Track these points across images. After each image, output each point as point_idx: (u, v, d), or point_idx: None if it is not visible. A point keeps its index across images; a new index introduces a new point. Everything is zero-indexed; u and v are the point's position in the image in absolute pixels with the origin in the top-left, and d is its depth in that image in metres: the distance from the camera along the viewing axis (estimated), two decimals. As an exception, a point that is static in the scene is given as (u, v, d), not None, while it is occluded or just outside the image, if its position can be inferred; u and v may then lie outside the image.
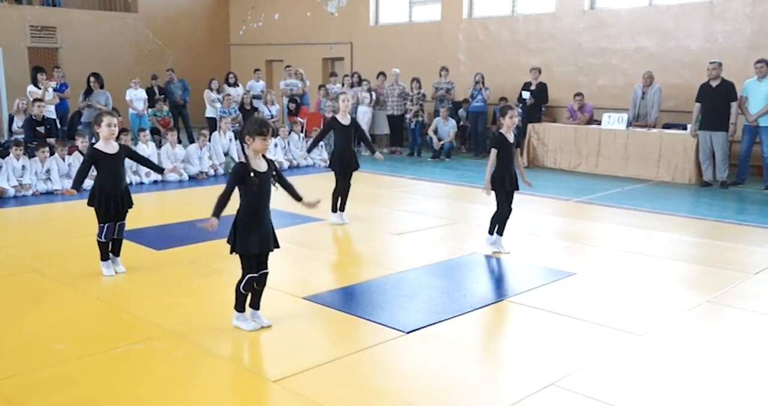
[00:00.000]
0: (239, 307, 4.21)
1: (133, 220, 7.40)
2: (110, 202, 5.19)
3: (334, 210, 7.24)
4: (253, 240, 4.04)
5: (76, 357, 3.82)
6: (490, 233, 6.15)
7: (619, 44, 12.11)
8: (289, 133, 12.32)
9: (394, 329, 4.26)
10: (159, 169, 5.95)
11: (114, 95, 12.17)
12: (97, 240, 5.27)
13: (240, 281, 4.13)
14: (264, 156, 4.13)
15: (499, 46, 13.72)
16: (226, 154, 11.11)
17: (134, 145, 10.22)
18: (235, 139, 11.30)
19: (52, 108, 11.31)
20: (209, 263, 5.65)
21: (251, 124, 4.05)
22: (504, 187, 5.93)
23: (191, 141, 12.35)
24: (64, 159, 9.35)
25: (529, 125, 11.88)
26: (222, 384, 3.63)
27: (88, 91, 11.60)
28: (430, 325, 4.35)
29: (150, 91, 13.44)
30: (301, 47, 17.17)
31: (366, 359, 3.83)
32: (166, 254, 6.06)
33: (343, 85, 13.84)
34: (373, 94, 13.46)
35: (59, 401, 3.34)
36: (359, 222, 7.28)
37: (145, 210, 8.51)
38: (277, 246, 4.22)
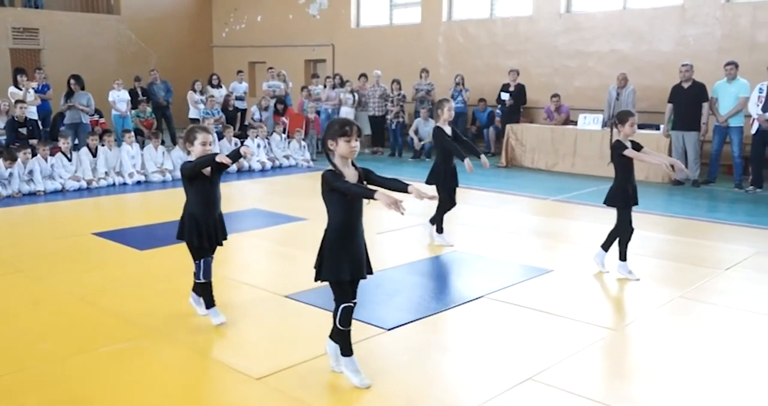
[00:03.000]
0: (346, 350, 3.48)
1: (116, 221, 7.38)
2: (202, 233, 4.17)
3: (439, 230, 6.41)
4: (343, 265, 3.37)
5: (61, 357, 3.79)
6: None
7: (594, 47, 12.21)
8: (271, 133, 12.29)
9: (376, 326, 4.27)
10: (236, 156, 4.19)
11: (97, 96, 12.05)
12: (195, 282, 4.31)
13: (335, 315, 3.44)
14: (353, 164, 3.40)
15: (478, 49, 13.77)
16: (209, 154, 11.02)
17: (118, 146, 10.15)
18: (219, 140, 11.24)
19: (34, 109, 11.18)
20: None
21: (331, 126, 3.35)
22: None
23: (174, 142, 12.27)
24: (46, 160, 9.26)
25: (508, 126, 11.94)
26: (206, 382, 3.62)
27: (69, 93, 11.47)
28: (411, 322, 4.37)
29: (133, 93, 13.31)
30: (284, 49, 17.11)
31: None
32: (150, 254, 6.02)
33: (325, 86, 13.83)
34: (355, 95, 13.46)
35: (43, 400, 3.30)
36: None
37: (129, 211, 8.44)
38: (370, 272, 3.52)
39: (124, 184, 9.77)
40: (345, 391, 3.45)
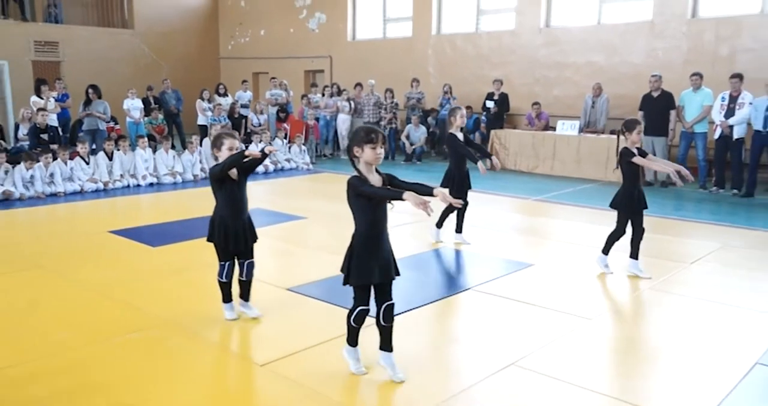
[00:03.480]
0: (351, 340, 3.46)
1: (131, 219, 7.35)
2: (230, 236, 4.04)
3: (458, 230, 6.33)
4: (372, 268, 3.23)
5: (78, 346, 3.77)
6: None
7: (571, 59, 12.23)
8: (274, 138, 12.27)
9: (370, 316, 4.25)
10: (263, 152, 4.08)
11: (112, 105, 12.00)
12: (218, 280, 4.20)
13: (350, 314, 3.37)
14: (377, 170, 3.27)
15: (465, 60, 13.77)
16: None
17: (132, 151, 10.12)
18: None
19: (55, 117, 11.12)
20: (201, 258, 5.59)
21: (357, 134, 3.20)
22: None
23: (183, 147, 12.23)
24: (66, 163, 9.24)
25: (492, 131, 11.97)
26: (213, 368, 3.61)
27: (87, 102, 11.44)
28: (402, 312, 4.35)
29: (146, 101, 13.28)
30: (285, 60, 17.07)
31: (343, 344, 3.81)
32: (162, 250, 6.00)
33: (323, 95, 13.80)
34: (351, 103, 13.45)
35: (62, 386, 3.29)
36: (339, 220, 7.25)
37: (142, 210, 8.41)
38: (398, 273, 3.38)
39: (138, 185, 9.73)
40: (343, 376, 3.44)
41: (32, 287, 4.91)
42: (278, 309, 4.42)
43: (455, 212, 6.20)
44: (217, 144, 4.04)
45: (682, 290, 4.92)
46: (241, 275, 4.20)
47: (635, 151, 5.05)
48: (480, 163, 5.90)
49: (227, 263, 4.13)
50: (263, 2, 17.81)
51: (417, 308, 4.46)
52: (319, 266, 5.58)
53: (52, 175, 8.96)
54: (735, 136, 9.06)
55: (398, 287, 4.94)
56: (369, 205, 3.19)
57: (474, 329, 4.16)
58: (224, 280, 4.17)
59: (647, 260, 5.73)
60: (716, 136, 9.30)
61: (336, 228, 7.02)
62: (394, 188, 3.24)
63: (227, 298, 4.23)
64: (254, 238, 4.18)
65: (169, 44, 17.53)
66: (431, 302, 4.59)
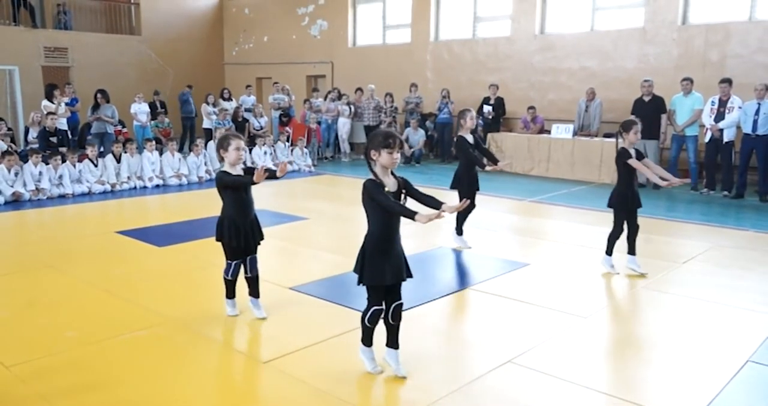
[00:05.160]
0: (366, 341, 3.41)
1: (138, 220, 7.33)
2: (240, 235, 4.01)
3: (459, 233, 6.19)
4: (384, 269, 3.20)
5: (86, 343, 3.75)
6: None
7: (565, 64, 12.21)
8: (276, 141, 12.26)
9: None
10: (274, 172, 4.01)
11: (120, 109, 11.98)
12: (224, 278, 4.18)
13: (365, 314, 3.33)
14: (393, 173, 3.25)
15: (462, 66, 13.76)
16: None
17: (140, 154, 10.10)
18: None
19: (64, 120, 11.10)
20: (206, 258, 5.57)
21: (375, 138, 3.19)
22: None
23: (190, 149, 12.20)
24: (75, 166, 9.23)
25: (489, 134, 11.95)
26: (218, 366, 3.59)
27: (96, 106, 11.42)
28: (403, 311, 4.33)
29: (152, 105, 13.27)
30: (288, 66, 17.06)
31: (346, 341, 3.80)
32: (168, 250, 5.98)
33: (325, 99, 13.79)
34: (352, 107, 13.43)
35: (70, 383, 3.27)
36: (340, 220, 7.25)
37: (149, 211, 8.39)
38: (410, 275, 3.34)
39: (145, 187, 9.71)
40: (345, 373, 3.42)
41: (41, 286, 4.88)
42: (281, 308, 4.40)
43: (462, 213, 6.01)
44: (224, 145, 3.99)
45: (674, 289, 4.90)
46: (246, 271, 4.17)
47: (632, 151, 4.99)
48: (488, 169, 5.78)
49: (235, 262, 4.10)
50: (267, 10, 17.81)
51: (416, 306, 4.43)
52: (320, 266, 5.56)
53: (61, 177, 8.94)
54: (725, 139, 9.04)
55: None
56: (382, 209, 3.16)
57: (471, 327, 4.14)
58: (230, 278, 4.15)
59: (641, 260, 5.70)
60: (707, 139, 9.28)
61: (337, 228, 7.00)
62: (409, 194, 3.26)
63: (231, 294, 4.22)
64: (261, 236, 4.17)
65: (176, 50, 17.52)
66: (430, 301, 4.57)
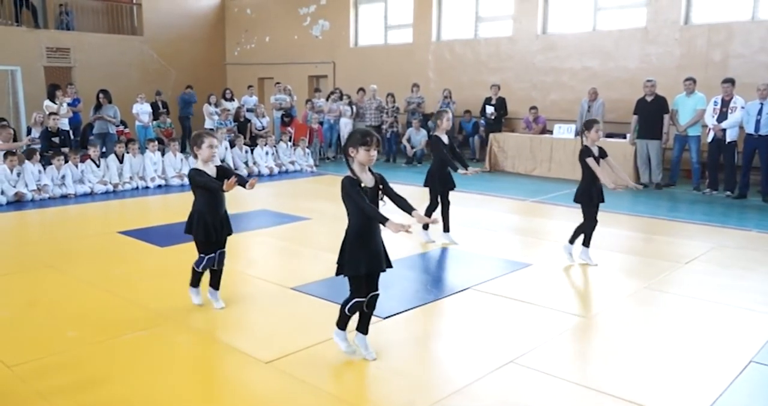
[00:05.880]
0: (341, 325, 3.53)
1: (140, 220, 7.33)
2: (210, 229, 4.16)
3: (446, 230, 6.28)
4: (362, 260, 3.32)
5: (87, 343, 3.75)
6: None
7: (567, 64, 12.20)
8: (278, 141, 12.26)
9: (373, 315, 4.22)
10: (245, 182, 4.18)
11: (122, 109, 11.99)
12: (193, 268, 4.32)
13: (346, 303, 3.45)
14: (371, 170, 3.40)
15: (464, 66, 13.75)
16: (222, 160, 11.00)
17: (142, 154, 10.11)
18: (231, 147, 11.21)
19: (66, 121, 11.12)
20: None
21: (354, 136, 3.33)
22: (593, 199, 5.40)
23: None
24: (77, 166, 9.24)
25: (491, 135, 11.94)
26: (219, 366, 3.58)
27: (98, 106, 11.43)
28: (405, 311, 4.34)
29: (154, 105, 13.28)
30: (289, 66, 17.07)
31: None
32: (170, 251, 5.98)
33: (327, 99, 13.79)
34: (354, 107, 13.43)
35: (71, 382, 3.27)
36: (342, 220, 7.22)
37: (151, 211, 8.39)
38: (390, 265, 3.44)
39: (147, 187, 9.72)
40: (347, 373, 3.42)
41: (42, 286, 4.88)
42: (283, 308, 4.40)
43: (441, 212, 6.16)
44: (197, 142, 4.14)
45: (676, 289, 4.89)
46: (213, 264, 4.29)
47: (595, 149, 5.26)
48: (461, 170, 5.96)
49: (208, 256, 4.24)
50: (268, 10, 17.82)
51: (419, 306, 4.43)
52: (322, 266, 5.55)
53: (63, 177, 8.95)
54: (728, 139, 9.02)
55: (399, 286, 4.93)
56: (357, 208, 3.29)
57: (473, 328, 4.13)
58: (200, 270, 4.29)
59: (643, 260, 5.72)
60: (709, 139, 9.26)
61: (339, 228, 6.94)
62: (384, 191, 3.42)
63: (196, 283, 4.37)
64: (230, 231, 4.32)
65: (177, 50, 17.54)
66: (431, 301, 4.56)
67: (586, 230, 5.45)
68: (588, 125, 5.26)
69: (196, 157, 4.21)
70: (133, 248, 6.06)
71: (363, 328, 3.56)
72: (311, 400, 3.13)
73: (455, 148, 6.25)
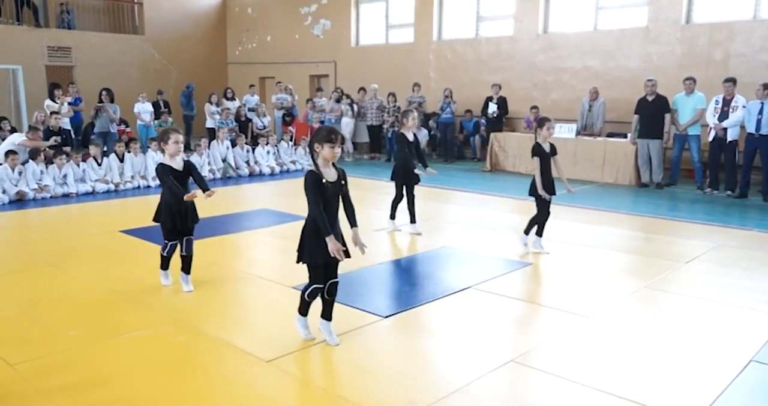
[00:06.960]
0: (302, 311, 3.77)
1: (141, 219, 7.33)
2: (176, 218, 4.52)
3: (413, 221, 6.60)
4: (320, 251, 3.51)
5: (89, 342, 3.75)
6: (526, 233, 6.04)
7: (568, 64, 12.20)
8: (280, 141, 12.26)
9: (374, 314, 4.24)
10: (205, 189, 4.61)
11: (123, 108, 12.01)
12: (161, 254, 4.74)
13: (306, 289, 3.69)
14: (334, 165, 3.58)
15: (465, 65, 13.75)
16: (223, 160, 11.01)
17: (143, 153, 10.11)
18: (232, 147, 11.22)
19: (67, 120, 11.14)
20: (209, 257, 5.58)
21: (320, 133, 3.52)
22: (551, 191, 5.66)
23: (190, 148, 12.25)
24: (78, 165, 9.25)
25: (492, 134, 11.93)
26: (220, 364, 3.58)
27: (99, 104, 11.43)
28: (406, 310, 4.34)
29: (156, 105, 13.28)
30: (291, 65, 17.07)
31: (349, 340, 3.81)
32: (171, 250, 5.97)
33: (329, 99, 13.80)
34: (355, 106, 13.43)
35: (72, 381, 3.27)
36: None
37: (152, 210, 8.39)
38: (348, 256, 3.59)
39: (148, 186, 9.73)
40: (346, 371, 3.42)
41: (44, 285, 4.89)
42: (283, 307, 4.40)
43: (407, 205, 6.51)
44: (164, 138, 4.51)
45: (677, 288, 4.89)
46: (182, 250, 4.65)
47: (547, 146, 5.57)
48: (419, 170, 6.31)
49: (171, 243, 4.62)
50: (270, 9, 17.82)
51: (420, 305, 4.43)
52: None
53: (65, 176, 8.96)
54: (729, 138, 9.02)
55: (401, 285, 4.94)
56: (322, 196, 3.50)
57: (474, 327, 4.13)
58: (166, 255, 4.70)
59: (644, 259, 5.72)
60: (710, 138, 9.26)
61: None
62: (343, 188, 3.59)
63: (165, 266, 4.77)
64: (196, 219, 4.65)
65: (179, 50, 17.55)
66: (433, 300, 4.56)
67: (539, 221, 5.74)
68: (541, 123, 5.58)
69: (163, 152, 4.58)
70: (135, 247, 6.07)
71: (327, 315, 3.75)
72: (312, 399, 3.13)
73: (419, 146, 6.58)
